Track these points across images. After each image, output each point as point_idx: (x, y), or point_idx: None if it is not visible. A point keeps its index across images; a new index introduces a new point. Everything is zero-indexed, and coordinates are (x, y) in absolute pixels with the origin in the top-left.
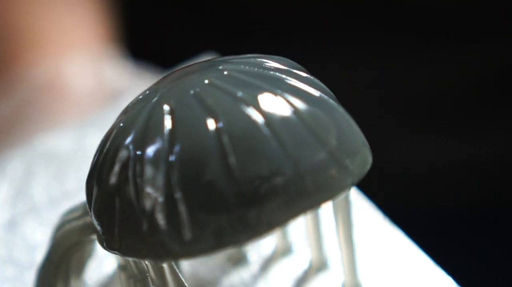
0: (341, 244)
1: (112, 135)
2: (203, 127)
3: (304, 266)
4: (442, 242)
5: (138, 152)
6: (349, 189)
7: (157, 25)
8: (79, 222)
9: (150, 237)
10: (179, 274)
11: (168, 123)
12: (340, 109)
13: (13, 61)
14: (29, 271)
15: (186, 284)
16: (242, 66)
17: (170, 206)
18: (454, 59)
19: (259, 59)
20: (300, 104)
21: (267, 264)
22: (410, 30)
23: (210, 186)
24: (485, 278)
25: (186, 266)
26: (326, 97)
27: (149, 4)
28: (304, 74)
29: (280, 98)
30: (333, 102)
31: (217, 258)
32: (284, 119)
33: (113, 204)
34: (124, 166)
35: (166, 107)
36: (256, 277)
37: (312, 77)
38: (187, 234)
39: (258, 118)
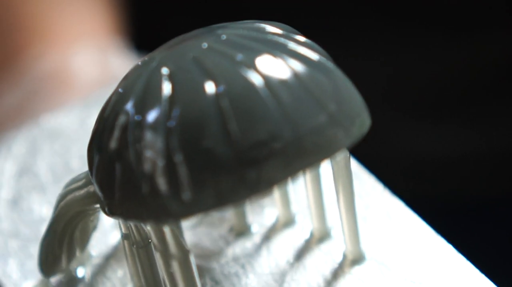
0: (342, 213)
1: (112, 101)
2: (202, 90)
3: (306, 236)
4: (452, 231)
5: (137, 117)
6: (347, 148)
7: (162, 16)
8: (82, 192)
9: (150, 199)
10: (180, 238)
11: (167, 87)
12: (339, 72)
13: (19, 52)
14: (34, 244)
15: (188, 248)
16: (241, 30)
17: (169, 168)
18: (462, 49)
19: (257, 24)
20: (299, 67)
21: (269, 235)
22: (419, 21)
23: (209, 149)
24: (489, 254)
25: (190, 236)
26: (324, 60)
27: None
28: (302, 39)
29: (280, 60)
30: (332, 65)
31: (220, 229)
32: (283, 82)
33: (113, 169)
34: (124, 131)
35: (164, 72)
36: (259, 247)
37: (310, 41)
38: (187, 194)
39: (258, 80)
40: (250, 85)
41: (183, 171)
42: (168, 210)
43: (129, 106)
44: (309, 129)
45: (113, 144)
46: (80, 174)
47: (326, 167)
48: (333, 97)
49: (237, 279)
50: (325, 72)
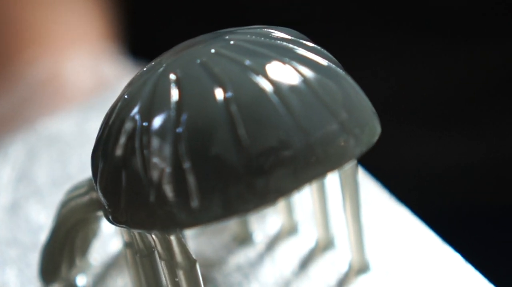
0: (348, 222)
1: (117, 107)
2: (210, 96)
3: (311, 245)
4: (458, 236)
5: (144, 123)
6: (357, 157)
7: (157, 22)
8: (84, 199)
9: (157, 207)
10: (187, 247)
11: (174, 93)
12: (348, 78)
13: (13, 58)
14: (33, 252)
15: (193, 257)
16: (249, 36)
17: (178, 176)
18: (469, 58)
19: (265, 30)
20: (309, 73)
21: (273, 244)
22: (427, 29)
23: (218, 156)
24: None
25: (192, 245)
26: (334, 66)
27: (149, 2)
28: (310, 44)
29: (289, 66)
30: (341, 71)
31: (223, 238)
32: (293, 88)
33: (119, 176)
34: (130, 137)
35: (172, 77)
36: (262, 256)
37: (318, 47)
38: (195, 203)
39: (267, 86)
40: (259, 91)
41: (191, 179)
42: (176, 219)
43: (135, 112)
44: (320, 137)
45: (119, 150)
46: (82, 181)
47: (331, 176)
48: (344, 104)
49: None
50: (335, 79)
